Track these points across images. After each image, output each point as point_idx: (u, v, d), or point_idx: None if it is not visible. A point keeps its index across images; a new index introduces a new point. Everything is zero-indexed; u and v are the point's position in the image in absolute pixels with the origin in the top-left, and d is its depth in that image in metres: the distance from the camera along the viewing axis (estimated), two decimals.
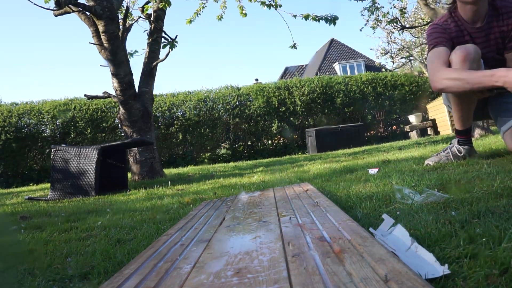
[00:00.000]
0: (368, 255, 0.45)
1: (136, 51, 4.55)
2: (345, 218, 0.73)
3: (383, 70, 12.02)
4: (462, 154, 1.97)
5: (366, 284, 0.36)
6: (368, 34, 38.82)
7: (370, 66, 22.25)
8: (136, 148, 3.92)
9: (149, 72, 4.23)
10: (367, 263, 0.42)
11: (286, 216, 0.82)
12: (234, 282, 0.43)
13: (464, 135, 2.05)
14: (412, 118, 9.06)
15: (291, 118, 8.92)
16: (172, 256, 0.61)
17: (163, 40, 4.27)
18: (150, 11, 4.18)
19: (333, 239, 0.57)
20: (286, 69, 28.36)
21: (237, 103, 8.80)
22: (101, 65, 3.93)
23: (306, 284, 0.39)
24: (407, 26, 8.29)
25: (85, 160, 2.91)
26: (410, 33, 10.38)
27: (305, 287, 0.39)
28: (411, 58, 10.91)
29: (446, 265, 0.60)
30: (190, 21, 4.86)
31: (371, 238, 0.54)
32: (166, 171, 4.97)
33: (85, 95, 4.15)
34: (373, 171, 2.12)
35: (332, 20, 4.41)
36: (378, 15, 6.31)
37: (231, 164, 6.47)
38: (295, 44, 5.27)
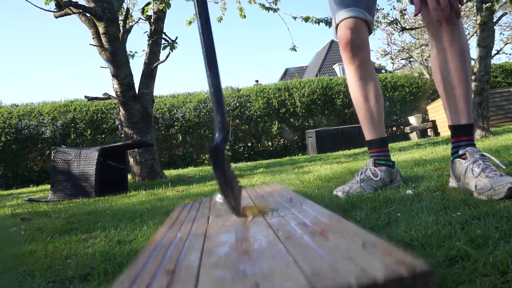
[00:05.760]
0: (346, 232, 0.58)
1: (136, 53, 4.56)
2: (320, 207, 0.81)
3: (383, 71, 12.03)
4: (378, 179, 1.43)
5: (349, 249, 0.48)
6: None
7: None
8: (136, 149, 3.92)
9: (149, 73, 4.23)
10: (347, 237, 0.54)
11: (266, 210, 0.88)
12: (246, 258, 0.53)
13: (378, 148, 1.51)
14: (412, 119, 9.06)
15: (291, 119, 8.92)
16: (176, 249, 0.64)
17: (163, 41, 4.28)
18: (150, 12, 4.19)
19: (314, 224, 0.67)
20: (286, 70, 28.40)
21: (237, 104, 8.81)
22: (101, 67, 3.93)
23: (302, 254, 0.50)
24: (407, 27, 8.30)
25: (86, 161, 2.91)
26: (410, 35, 10.39)
27: (303, 256, 0.48)
28: (411, 59, 10.91)
29: None
30: (190, 23, 4.86)
31: (346, 221, 0.64)
32: (166, 172, 4.97)
33: (85, 97, 4.15)
34: None
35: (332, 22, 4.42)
36: (378, 17, 6.32)
37: (231, 165, 6.46)
38: (294, 46, 5.28)
